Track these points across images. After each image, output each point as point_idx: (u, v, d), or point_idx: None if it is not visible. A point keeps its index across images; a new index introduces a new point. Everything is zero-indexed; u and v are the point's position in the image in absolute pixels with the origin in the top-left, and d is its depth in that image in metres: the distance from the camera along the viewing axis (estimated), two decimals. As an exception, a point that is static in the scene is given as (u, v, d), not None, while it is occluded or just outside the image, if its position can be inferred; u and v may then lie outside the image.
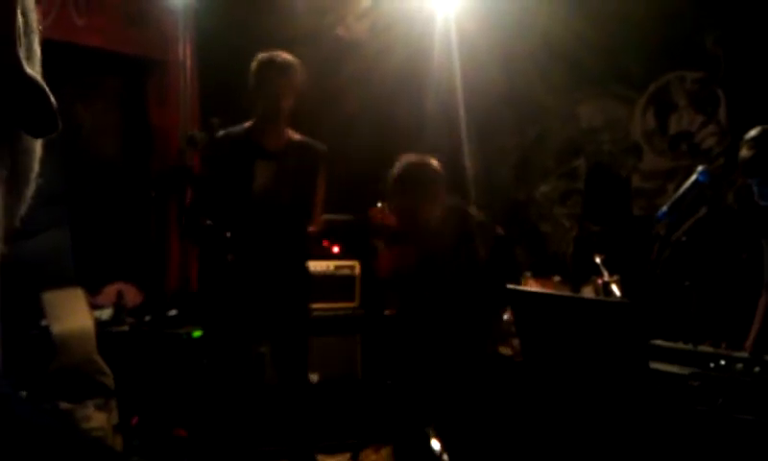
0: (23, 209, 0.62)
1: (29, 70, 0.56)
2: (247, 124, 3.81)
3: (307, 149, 3.84)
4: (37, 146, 0.62)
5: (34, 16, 0.60)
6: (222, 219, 3.74)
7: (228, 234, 3.66)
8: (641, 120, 5.29)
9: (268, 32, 5.35)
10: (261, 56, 3.75)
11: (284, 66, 3.70)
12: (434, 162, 3.47)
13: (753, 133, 3.13)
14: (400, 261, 3.77)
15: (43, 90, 0.57)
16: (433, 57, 5.74)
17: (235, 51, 5.25)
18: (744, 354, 2.70)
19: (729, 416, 2.35)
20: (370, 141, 5.68)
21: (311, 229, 3.89)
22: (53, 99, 0.57)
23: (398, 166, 3.43)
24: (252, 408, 4.13)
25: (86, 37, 4.99)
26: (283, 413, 3.88)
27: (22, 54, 0.55)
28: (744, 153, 3.13)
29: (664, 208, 3.20)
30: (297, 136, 3.84)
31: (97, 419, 4.44)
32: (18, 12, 0.55)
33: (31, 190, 0.62)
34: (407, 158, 3.46)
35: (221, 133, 3.80)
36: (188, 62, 5.59)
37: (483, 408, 3.31)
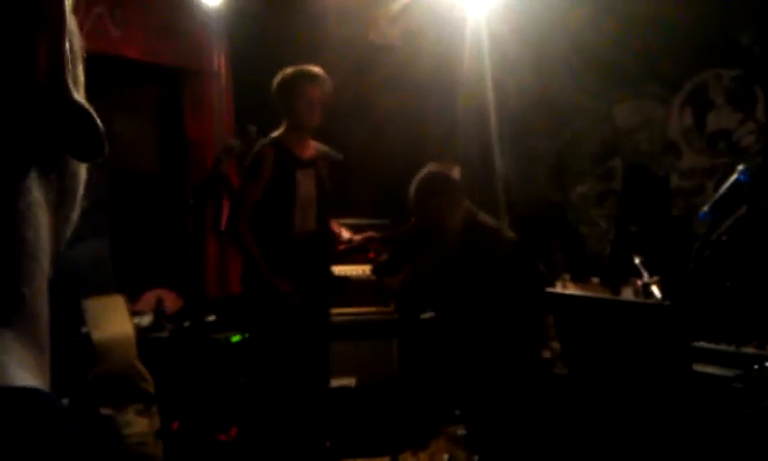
0: (69, 232, 0.63)
1: (77, 97, 0.57)
2: (276, 134, 3.90)
3: (330, 158, 4.06)
4: (83, 170, 0.63)
5: (78, 42, 0.61)
6: (264, 229, 3.87)
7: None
8: (679, 119, 5.23)
9: (300, 39, 5.38)
10: (288, 70, 3.83)
11: (316, 77, 3.80)
12: (453, 170, 3.68)
13: None
14: (414, 271, 3.89)
15: (91, 116, 0.58)
16: (464, 60, 5.72)
17: (268, 59, 5.29)
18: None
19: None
20: (401, 145, 5.69)
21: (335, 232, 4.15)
22: (100, 124, 0.58)
23: (420, 176, 3.61)
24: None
25: (123, 49, 5.06)
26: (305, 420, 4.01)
27: (70, 81, 0.57)
28: None
29: (705, 209, 3.17)
30: (319, 146, 4.03)
31: (138, 424, 4.48)
32: (66, 41, 0.57)
33: (76, 214, 0.63)
34: (427, 168, 3.63)
35: (258, 144, 3.90)
36: (223, 71, 5.65)
37: (517, 408, 3.31)
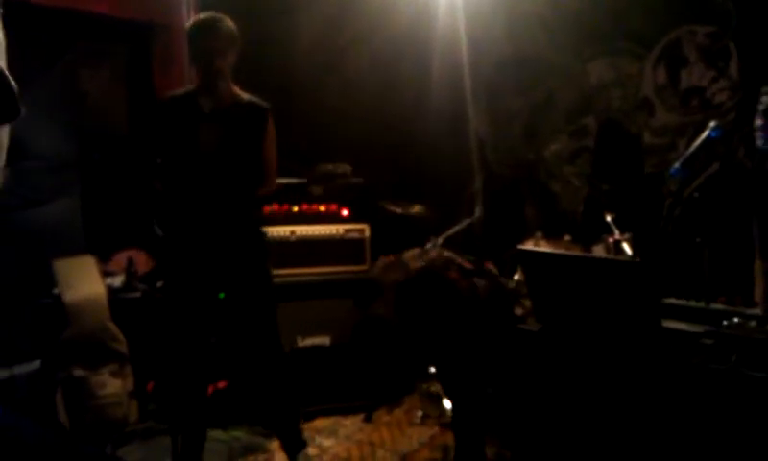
0: None
1: None
2: (190, 87, 3.68)
3: (251, 108, 3.66)
4: (4, 136, 0.60)
5: None
6: (168, 184, 3.66)
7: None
8: (652, 76, 5.23)
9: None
10: (191, 20, 3.63)
11: (210, 27, 3.51)
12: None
13: None
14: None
15: (6, 78, 0.56)
16: (438, 18, 5.67)
17: (238, 13, 5.20)
18: (757, 311, 2.69)
19: (742, 374, 2.34)
20: (374, 101, 5.64)
21: (263, 191, 3.76)
22: (14, 84, 0.56)
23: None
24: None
25: (91, 4, 4.95)
26: (259, 386, 3.90)
27: None
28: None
29: (677, 165, 3.18)
30: (243, 96, 3.67)
31: (112, 385, 4.48)
32: None
33: (0, 183, 0.61)
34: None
35: (166, 97, 3.72)
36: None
37: (493, 367, 3.33)
